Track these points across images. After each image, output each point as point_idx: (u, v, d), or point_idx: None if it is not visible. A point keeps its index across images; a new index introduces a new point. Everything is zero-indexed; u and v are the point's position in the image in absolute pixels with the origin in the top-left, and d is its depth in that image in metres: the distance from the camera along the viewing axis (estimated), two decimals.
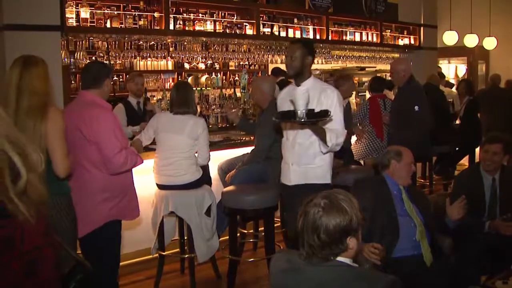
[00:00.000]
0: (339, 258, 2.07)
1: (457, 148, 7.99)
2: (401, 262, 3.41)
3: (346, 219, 2.01)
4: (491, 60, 11.72)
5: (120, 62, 7.99)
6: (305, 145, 3.83)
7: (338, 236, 2.01)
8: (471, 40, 9.92)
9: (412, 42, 9.08)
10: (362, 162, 6.45)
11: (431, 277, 3.32)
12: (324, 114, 3.36)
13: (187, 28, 6.13)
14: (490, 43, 10.35)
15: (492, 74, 9.70)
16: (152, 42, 6.54)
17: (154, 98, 7.48)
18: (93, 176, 3.46)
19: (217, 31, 6.42)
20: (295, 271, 2.12)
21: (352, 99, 8.03)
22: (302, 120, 3.23)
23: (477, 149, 8.42)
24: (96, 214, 3.48)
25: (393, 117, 5.84)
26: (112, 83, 4.02)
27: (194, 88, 8.41)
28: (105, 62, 5.38)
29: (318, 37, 7.48)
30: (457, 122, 8.25)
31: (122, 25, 5.65)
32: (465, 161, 8.40)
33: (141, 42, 6.44)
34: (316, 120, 3.39)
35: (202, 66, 9.22)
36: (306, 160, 3.84)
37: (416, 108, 5.32)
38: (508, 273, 3.30)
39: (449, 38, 9.43)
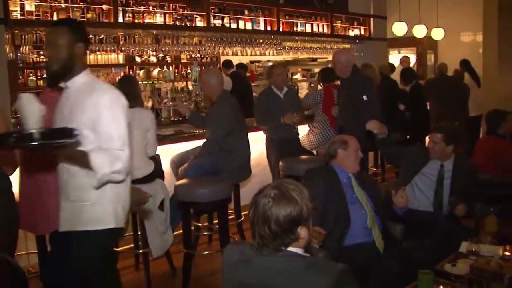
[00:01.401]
0: (290, 248, 2.07)
1: (408, 137, 8.13)
2: (354, 249, 3.45)
3: (297, 209, 2.02)
4: (439, 50, 11.96)
5: None
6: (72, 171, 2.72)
7: (288, 226, 2.02)
8: (419, 31, 10.08)
9: (363, 33, 9.19)
10: (315, 152, 6.49)
11: (383, 263, 3.36)
12: (66, 134, 2.26)
13: (136, 21, 6.05)
14: (438, 33, 10.55)
15: (439, 63, 9.90)
16: (101, 36, 6.42)
17: None
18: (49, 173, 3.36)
19: (167, 23, 6.35)
20: (247, 263, 2.12)
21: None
22: (34, 143, 2.13)
23: (427, 137, 8.62)
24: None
25: (341, 109, 5.78)
26: None
27: (146, 82, 8.41)
28: None
29: (269, 28, 7.49)
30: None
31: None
32: None
33: (90, 35, 6.31)
34: (54, 144, 2.22)
35: (153, 59, 9.12)
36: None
37: (365, 97, 5.29)
38: (456, 256, 3.39)
39: (399, 28, 9.55)
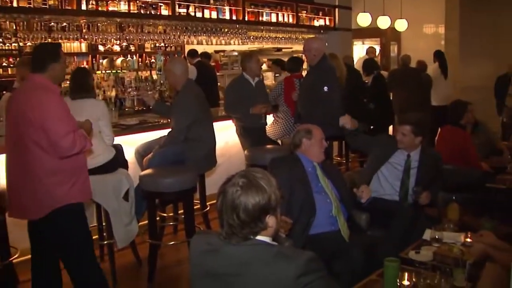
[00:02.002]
0: (259, 237, 2.07)
1: (372, 127, 8.21)
2: (319, 238, 3.47)
3: (265, 198, 2.01)
4: (402, 41, 12.13)
5: (30, 44, 7.61)
6: None
7: (257, 215, 2.01)
8: (383, 22, 10.18)
9: (328, 23, 9.23)
10: (280, 142, 6.52)
11: (348, 252, 3.39)
12: None
13: (100, 9, 5.92)
14: (401, 25, 10.66)
15: (403, 54, 10.02)
16: (64, 23, 6.27)
17: (68, 83, 7.19)
18: (40, 160, 3.33)
19: (131, 11, 6.23)
20: (215, 252, 2.10)
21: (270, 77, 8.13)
22: None
23: (391, 127, 8.74)
24: (50, 197, 3.37)
25: (302, 96, 5.81)
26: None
27: (109, 71, 8.28)
28: (54, 43, 5.02)
29: (234, 18, 7.45)
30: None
31: (30, 5, 5.37)
32: None
33: (52, 23, 6.16)
34: None
35: (117, 48, 8.97)
36: None
37: (325, 88, 5.30)
38: (420, 243, 3.44)
39: (363, 19, 9.62)
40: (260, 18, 7.94)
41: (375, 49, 10.41)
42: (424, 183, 4.16)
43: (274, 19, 8.16)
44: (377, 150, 4.47)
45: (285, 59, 9.96)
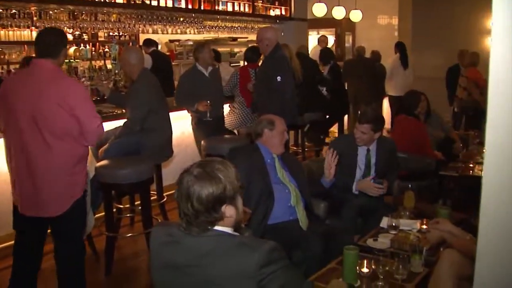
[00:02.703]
0: (218, 227, 2.05)
1: (327, 116, 8.30)
2: (278, 227, 3.48)
3: (220, 188, 2.00)
4: (357, 31, 12.28)
5: None
6: None
7: (211, 205, 2.00)
8: (338, 12, 10.25)
9: (283, 13, 9.24)
10: (236, 131, 6.51)
11: (307, 241, 3.41)
12: None
13: None
14: (356, 15, 10.76)
15: (358, 46, 10.18)
16: (14, 10, 6.07)
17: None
18: (71, 150, 3.34)
19: None
20: (175, 244, 2.08)
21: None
22: None
23: (346, 117, 8.85)
24: (72, 189, 3.40)
25: (257, 86, 5.82)
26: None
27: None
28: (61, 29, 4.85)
29: (190, 6, 7.36)
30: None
31: None
32: (335, 128, 8.78)
33: (0, 10, 5.96)
34: None
35: (69, 37, 8.74)
36: None
37: (278, 78, 5.30)
38: (377, 231, 3.50)
39: (318, 9, 9.66)
40: (216, 7, 7.86)
41: (327, 38, 10.48)
42: (383, 171, 4.23)
43: (230, 9, 8.10)
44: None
45: (241, 49, 10.01)
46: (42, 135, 3.21)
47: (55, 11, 6.25)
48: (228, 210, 2.04)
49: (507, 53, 1.34)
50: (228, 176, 2.04)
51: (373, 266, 2.74)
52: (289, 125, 4.09)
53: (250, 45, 7.60)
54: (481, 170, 5.09)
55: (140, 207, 4.70)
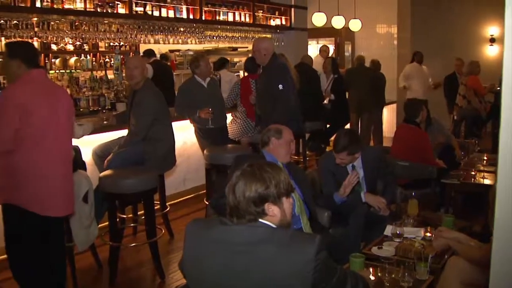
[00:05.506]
0: (264, 221, 2.13)
1: (328, 125, 8.34)
2: None
3: (263, 187, 2.10)
4: (356, 41, 12.32)
5: None
6: None
7: (254, 200, 2.09)
8: (338, 22, 10.29)
9: (284, 22, 9.29)
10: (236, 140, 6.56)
11: None
12: None
13: (55, 6, 5.76)
14: (355, 25, 10.79)
15: (358, 55, 10.22)
16: (16, 21, 6.09)
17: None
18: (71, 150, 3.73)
19: (87, 9, 6.10)
20: (225, 225, 2.16)
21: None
22: None
23: (347, 126, 8.88)
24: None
25: (258, 98, 5.81)
26: None
27: (62, 71, 8.09)
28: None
29: (191, 17, 7.40)
30: (326, 101, 8.52)
31: None
32: None
33: (2, 21, 5.98)
34: None
35: (70, 47, 8.78)
36: None
37: (280, 86, 5.28)
38: (382, 239, 3.52)
39: (318, 19, 9.69)
40: (217, 17, 7.92)
41: (329, 48, 10.55)
42: (374, 180, 4.27)
43: (231, 19, 8.15)
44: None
45: (241, 58, 10.06)
46: (64, 132, 3.58)
47: (57, 22, 6.27)
48: (272, 209, 2.12)
49: None
50: (273, 178, 2.14)
51: (379, 274, 2.76)
52: (295, 133, 4.09)
53: (250, 55, 7.63)
54: (483, 178, 5.14)
55: (143, 217, 4.70)
